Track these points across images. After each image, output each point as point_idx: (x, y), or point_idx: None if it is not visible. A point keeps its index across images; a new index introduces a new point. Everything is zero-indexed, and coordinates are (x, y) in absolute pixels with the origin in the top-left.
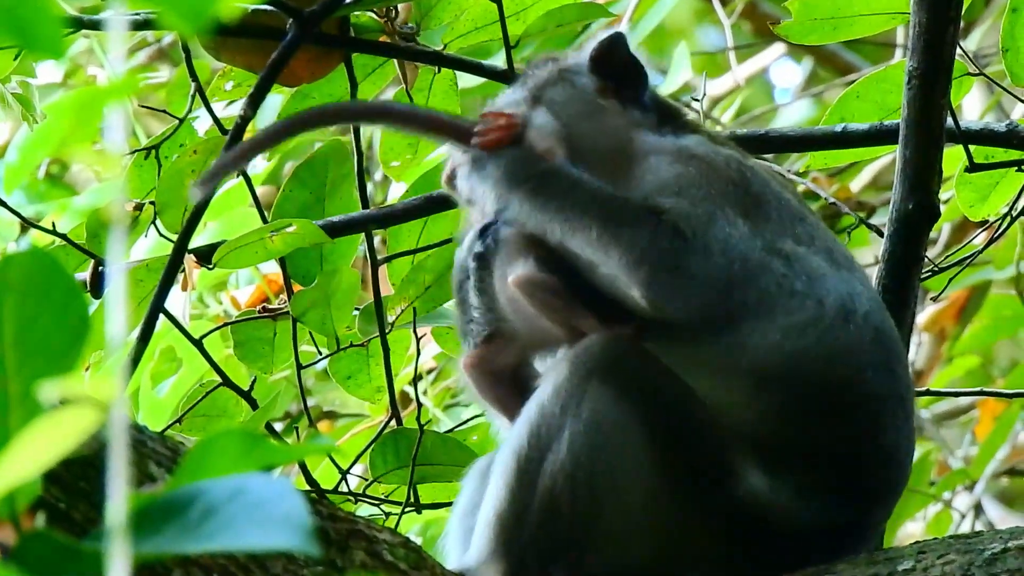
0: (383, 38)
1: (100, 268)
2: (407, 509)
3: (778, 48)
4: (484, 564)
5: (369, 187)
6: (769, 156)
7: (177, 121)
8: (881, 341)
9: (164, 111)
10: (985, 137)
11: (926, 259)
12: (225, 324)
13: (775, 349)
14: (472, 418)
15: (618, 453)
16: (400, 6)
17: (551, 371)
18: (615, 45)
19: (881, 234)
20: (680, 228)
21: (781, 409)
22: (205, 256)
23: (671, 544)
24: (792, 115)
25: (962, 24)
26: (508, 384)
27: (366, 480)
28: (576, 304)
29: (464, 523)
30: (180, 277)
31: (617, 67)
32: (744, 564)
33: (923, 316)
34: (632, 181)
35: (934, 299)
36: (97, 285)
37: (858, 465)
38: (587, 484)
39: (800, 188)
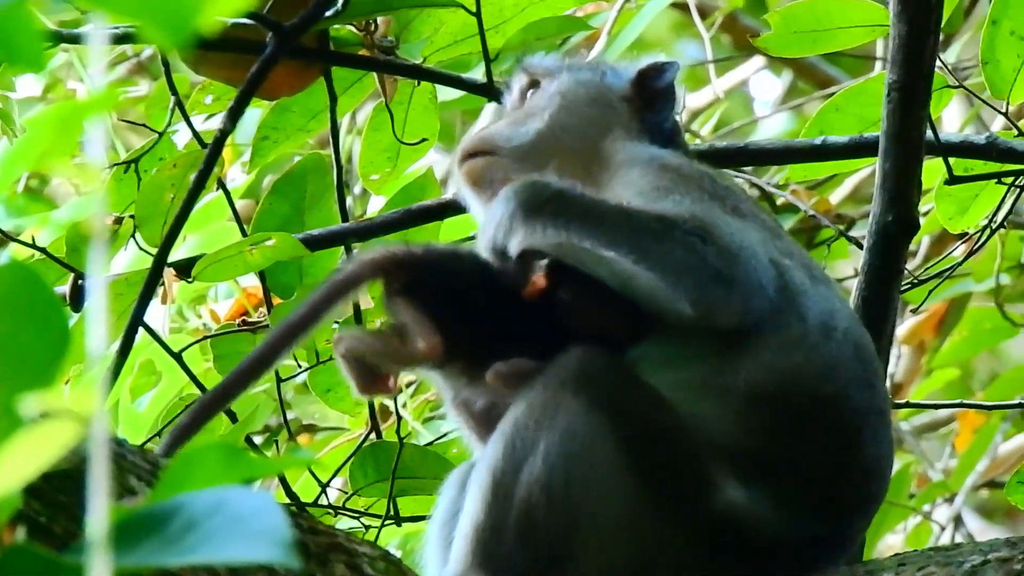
0: (362, 51)
1: (80, 281)
2: (387, 522)
3: (757, 61)
4: None
5: (348, 200)
6: (748, 169)
7: (157, 135)
8: (861, 356)
9: (144, 125)
10: (965, 149)
11: (906, 271)
12: (205, 337)
13: (767, 367)
14: (451, 431)
15: (593, 464)
16: (379, 19)
17: (527, 386)
18: (666, 69)
19: (861, 246)
20: (708, 233)
21: (767, 425)
22: (184, 269)
23: (649, 555)
24: (771, 128)
25: (942, 36)
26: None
27: (346, 493)
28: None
29: (442, 533)
30: (160, 290)
31: (655, 89)
32: (722, 575)
33: (902, 328)
34: (603, 186)
35: (914, 311)
36: (77, 298)
37: (839, 478)
38: (563, 495)
39: (780, 201)
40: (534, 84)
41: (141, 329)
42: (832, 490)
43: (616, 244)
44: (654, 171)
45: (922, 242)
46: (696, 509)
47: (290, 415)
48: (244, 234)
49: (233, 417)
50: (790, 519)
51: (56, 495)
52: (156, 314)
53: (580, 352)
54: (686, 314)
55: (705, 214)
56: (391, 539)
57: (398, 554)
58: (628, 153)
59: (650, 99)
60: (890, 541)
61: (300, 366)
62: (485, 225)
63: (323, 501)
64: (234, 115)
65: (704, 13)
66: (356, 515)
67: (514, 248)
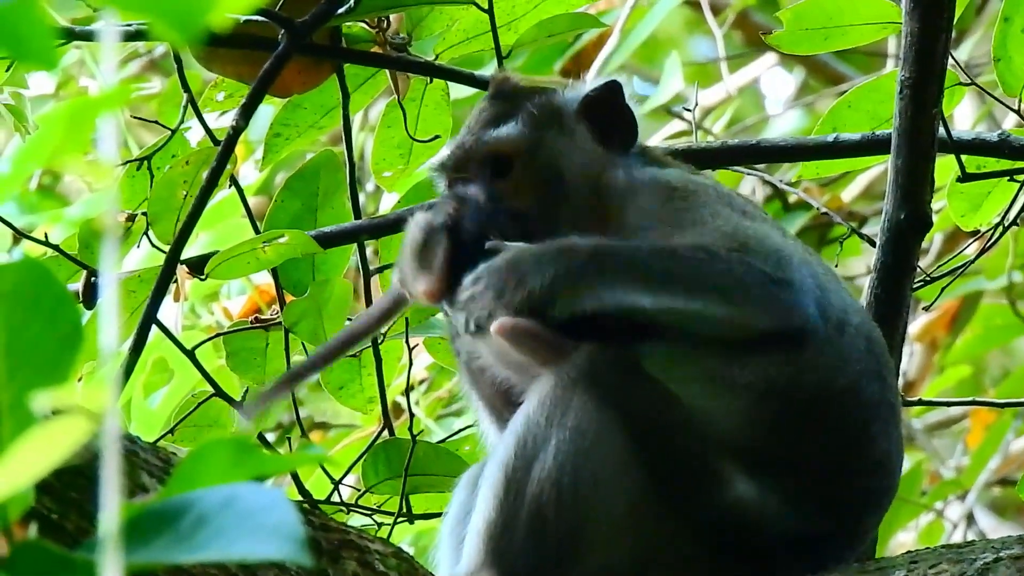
0: (375, 48)
1: (92, 279)
2: (399, 519)
3: (769, 58)
4: (474, 574)
5: (361, 197)
6: (761, 166)
7: (169, 132)
8: (873, 350)
9: (156, 122)
10: (977, 147)
11: (918, 269)
12: (217, 335)
13: (779, 361)
14: (464, 428)
15: (604, 462)
16: (392, 16)
17: (537, 383)
18: (611, 93)
19: (873, 244)
20: (745, 245)
21: (777, 418)
22: (197, 267)
23: (659, 552)
24: (784, 125)
25: (953, 34)
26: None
27: (358, 490)
28: (562, 341)
29: (455, 534)
30: (172, 288)
31: (609, 113)
32: (732, 572)
33: (915, 326)
34: (616, 220)
35: (926, 309)
36: (89, 296)
37: (848, 473)
38: (574, 493)
39: (792, 198)
40: (499, 160)
41: (154, 326)
42: (841, 485)
43: (671, 290)
44: (662, 194)
45: (934, 239)
46: (704, 506)
47: (303, 412)
48: (257, 231)
49: None
50: (798, 515)
51: (68, 492)
52: (169, 311)
53: (591, 349)
54: (765, 326)
55: (732, 226)
56: (403, 536)
57: (410, 551)
58: (626, 180)
59: (606, 123)
60: (902, 539)
61: None
62: (499, 279)
63: (335, 498)
64: (246, 112)
65: (716, 10)
66: (368, 512)
67: (560, 315)
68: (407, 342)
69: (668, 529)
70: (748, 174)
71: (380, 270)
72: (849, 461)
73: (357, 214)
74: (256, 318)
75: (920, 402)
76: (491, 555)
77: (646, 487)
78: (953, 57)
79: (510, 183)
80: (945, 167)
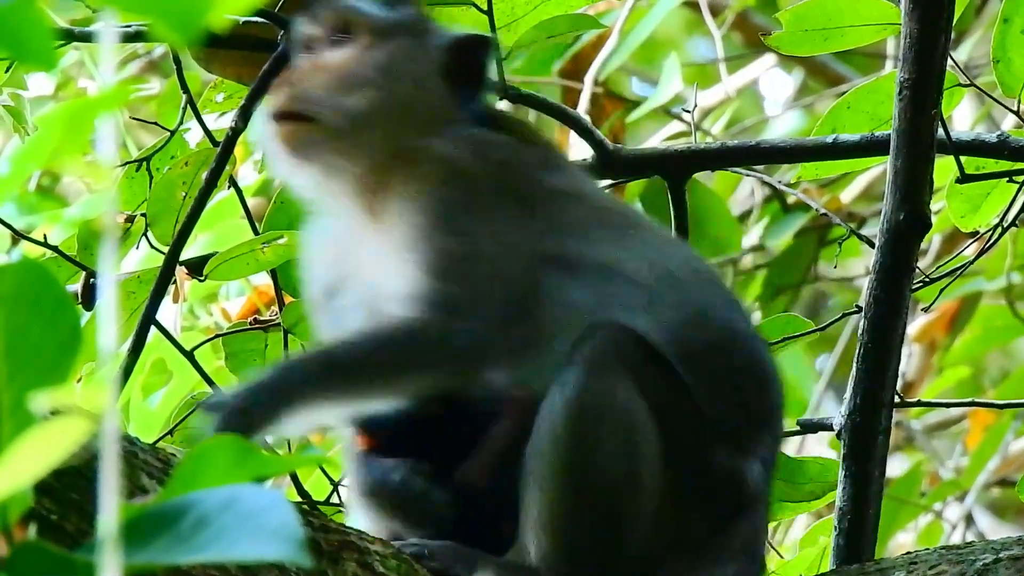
0: None
1: (91, 280)
2: None
3: (769, 59)
4: (546, 565)
5: None
6: (760, 167)
7: (168, 133)
8: (712, 286)
9: (155, 123)
10: (976, 148)
11: (917, 270)
12: (216, 336)
13: (653, 331)
14: None
15: (645, 443)
16: None
17: (562, 373)
18: (475, 45)
19: (872, 245)
20: (446, 298)
21: (705, 380)
22: (196, 268)
23: (662, 535)
24: (783, 126)
25: (953, 35)
26: None
27: None
28: None
29: None
30: (171, 289)
31: (469, 65)
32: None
33: (914, 327)
34: (397, 187)
35: (925, 310)
36: (88, 297)
37: (768, 395)
38: (623, 475)
39: (791, 199)
40: (346, 30)
41: (153, 327)
42: (776, 416)
43: (374, 381)
44: (437, 181)
45: (933, 240)
46: (705, 471)
47: None
48: (256, 232)
49: None
50: (762, 466)
51: (67, 492)
52: (168, 312)
53: (608, 333)
54: (484, 376)
55: (473, 248)
56: None
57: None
58: (428, 146)
59: (463, 71)
60: (901, 540)
61: None
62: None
63: (335, 499)
64: (246, 113)
65: (715, 11)
66: None
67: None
68: None
69: (677, 495)
70: (747, 175)
71: None
72: (765, 383)
73: None
74: (255, 319)
75: (919, 403)
76: (559, 545)
77: (665, 469)
78: (952, 58)
79: (340, 56)
80: (944, 168)
